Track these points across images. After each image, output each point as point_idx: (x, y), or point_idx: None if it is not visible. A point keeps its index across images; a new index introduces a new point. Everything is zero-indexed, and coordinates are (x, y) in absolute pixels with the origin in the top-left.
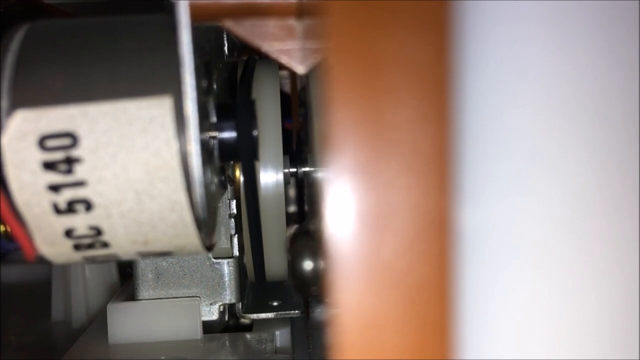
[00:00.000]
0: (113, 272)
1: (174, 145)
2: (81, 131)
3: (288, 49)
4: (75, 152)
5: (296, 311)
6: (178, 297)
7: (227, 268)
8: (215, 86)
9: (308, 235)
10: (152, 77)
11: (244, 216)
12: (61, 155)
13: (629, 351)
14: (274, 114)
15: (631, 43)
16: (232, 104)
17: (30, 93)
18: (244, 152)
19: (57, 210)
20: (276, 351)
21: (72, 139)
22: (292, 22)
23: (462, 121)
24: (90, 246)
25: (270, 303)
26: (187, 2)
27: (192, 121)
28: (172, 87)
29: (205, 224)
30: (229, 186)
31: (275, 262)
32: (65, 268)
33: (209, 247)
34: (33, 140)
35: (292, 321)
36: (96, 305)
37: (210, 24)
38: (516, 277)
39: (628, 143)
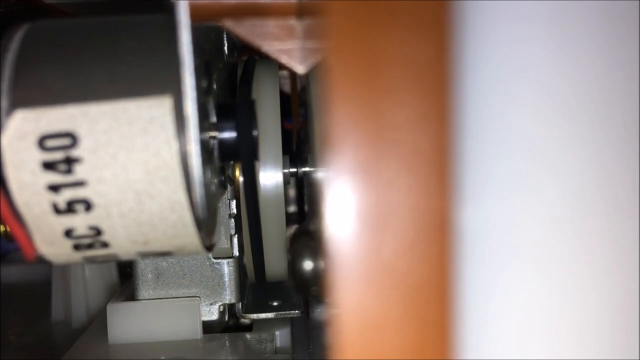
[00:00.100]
0: (113, 272)
1: (174, 145)
2: (81, 131)
3: (288, 48)
4: (75, 152)
5: (296, 311)
6: (178, 297)
7: (227, 268)
8: (215, 86)
9: (308, 235)
10: (152, 77)
11: (243, 216)
12: (61, 155)
13: (629, 351)
14: (273, 114)
15: (631, 43)
16: (232, 104)
17: (30, 93)
18: (243, 152)
19: (57, 210)
20: (276, 351)
21: (72, 139)
22: (292, 22)
23: (462, 121)
24: (90, 246)
25: (270, 303)
26: (187, 2)
27: (192, 121)
28: (172, 87)
29: (205, 224)
30: (228, 186)
31: (275, 262)
32: (65, 268)
33: (209, 247)
34: (33, 140)
35: (292, 321)
36: (96, 305)
37: (210, 24)
38: (516, 277)
39: (628, 143)
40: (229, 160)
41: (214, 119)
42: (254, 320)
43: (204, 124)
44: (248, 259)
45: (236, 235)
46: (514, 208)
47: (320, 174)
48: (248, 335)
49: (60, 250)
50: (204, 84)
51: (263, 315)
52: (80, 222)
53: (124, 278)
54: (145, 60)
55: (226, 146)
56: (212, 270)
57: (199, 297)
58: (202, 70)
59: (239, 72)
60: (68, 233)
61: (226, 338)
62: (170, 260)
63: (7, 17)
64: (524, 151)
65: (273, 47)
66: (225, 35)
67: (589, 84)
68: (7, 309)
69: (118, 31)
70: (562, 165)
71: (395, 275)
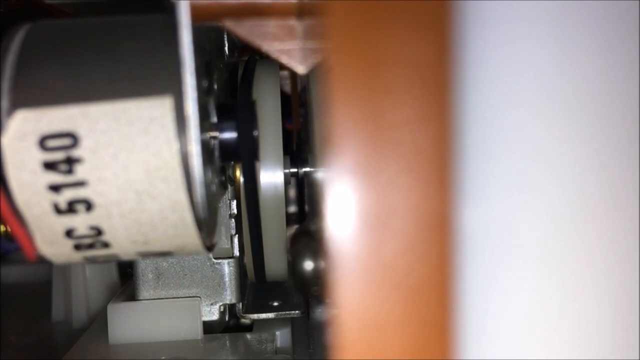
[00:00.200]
0: (113, 272)
1: (175, 146)
2: (81, 131)
3: (288, 49)
4: (75, 152)
5: (296, 311)
6: (178, 297)
7: (227, 268)
8: (215, 86)
9: (308, 236)
10: (153, 77)
11: (244, 216)
12: (61, 156)
13: (629, 351)
14: (274, 114)
15: (631, 43)
16: (233, 104)
17: (30, 93)
18: (244, 153)
19: (58, 210)
20: (276, 351)
21: (73, 139)
22: (293, 22)
23: (462, 121)
24: (90, 246)
25: (270, 303)
26: (188, 2)
27: (192, 121)
28: (173, 87)
29: (206, 224)
30: (229, 186)
31: (276, 262)
32: (65, 268)
33: (210, 247)
34: (33, 140)
35: (292, 321)
36: (97, 305)
37: (211, 24)
38: (516, 277)
39: (628, 143)
40: (230, 160)
41: (214, 119)
42: (254, 321)
43: (204, 124)
44: (248, 259)
45: (237, 236)
46: (514, 208)
47: (320, 174)
48: (248, 336)
49: (61, 250)
50: (205, 84)
51: (263, 316)
52: (80, 222)
53: (125, 278)
54: (145, 60)
55: (227, 146)
56: (212, 271)
57: (199, 297)
58: (203, 71)
59: (240, 72)
60: (69, 233)
61: (226, 338)
62: (170, 260)
63: (8, 17)
64: (524, 151)
65: (273, 47)
66: (225, 36)
67: (589, 84)
68: (8, 309)
69: (118, 31)
70: (562, 165)
71: (395, 275)
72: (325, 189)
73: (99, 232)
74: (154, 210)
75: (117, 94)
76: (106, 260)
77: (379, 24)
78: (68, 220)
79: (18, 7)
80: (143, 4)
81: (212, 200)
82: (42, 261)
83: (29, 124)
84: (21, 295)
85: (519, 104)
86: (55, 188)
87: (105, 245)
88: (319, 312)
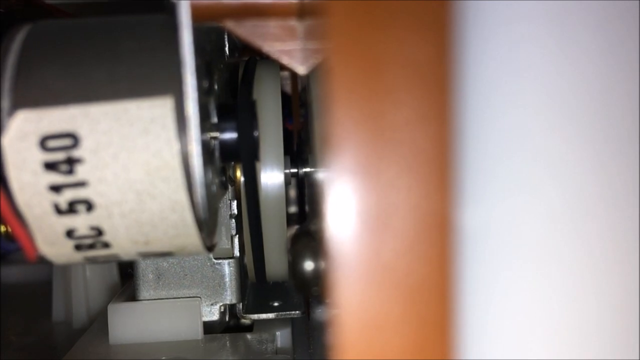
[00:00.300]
0: (114, 273)
1: (175, 146)
2: (82, 131)
3: (289, 49)
4: (76, 153)
5: (297, 311)
6: (179, 298)
7: (227, 268)
8: (216, 87)
9: (309, 236)
10: (153, 77)
11: (244, 217)
12: (62, 156)
13: (629, 351)
14: (274, 114)
15: (631, 43)
16: (233, 105)
17: (31, 93)
18: (244, 153)
19: (58, 210)
20: (277, 352)
21: (73, 139)
22: (293, 22)
23: (462, 121)
24: (91, 246)
25: (271, 303)
26: (188, 2)
27: (193, 121)
28: (173, 87)
29: (206, 224)
30: (229, 187)
31: (276, 263)
32: (66, 268)
33: (210, 248)
34: (34, 140)
35: (292, 321)
36: (97, 305)
37: (211, 24)
38: (517, 277)
39: (628, 143)
40: (230, 160)
41: (215, 119)
42: (254, 321)
43: (205, 125)
44: (249, 260)
45: (237, 236)
46: (514, 208)
47: (321, 175)
48: (249, 336)
49: (62, 251)
50: (205, 84)
51: (264, 316)
52: (81, 222)
53: (125, 278)
54: (146, 61)
55: (227, 147)
56: (212, 271)
57: (199, 297)
58: (203, 71)
59: (240, 72)
60: (69, 233)
61: (227, 338)
62: (171, 260)
63: (8, 17)
64: (525, 151)
65: (274, 48)
66: (226, 36)
67: (589, 84)
68: (8, 309)
69: (119, 31)
70: (562, 165)
71: (395, 275)
72: (325, 189)
73: (99, 232)
74: (154, 211)
75: (118, 94)
76: (107, 260)
77: (379, 24)
78: (69, 221)
79: (18, 7)
80: (143, 4)
81: (212, 201)
82: (43, 261)
83: (30, 124)
84: (21, 295)
85: (519, 104)
86: (56, 188)
87: (106, 245)
88: (319, 312)
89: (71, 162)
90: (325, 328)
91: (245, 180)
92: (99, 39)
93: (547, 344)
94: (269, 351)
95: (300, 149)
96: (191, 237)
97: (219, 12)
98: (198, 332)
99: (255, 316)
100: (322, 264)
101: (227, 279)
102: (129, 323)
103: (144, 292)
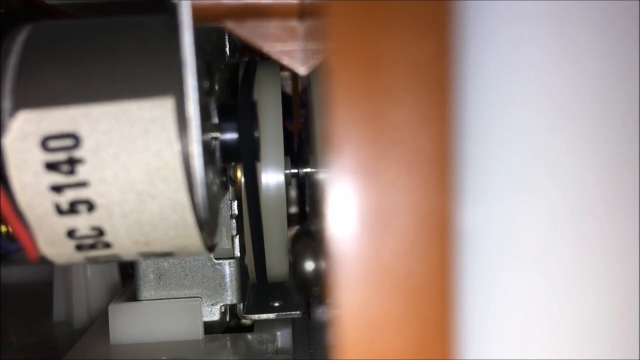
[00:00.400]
0: (114, 273)
1: (176, 146)
2: (83, 132)
3: (289, 50)
4: (77, 153)
5: (297, 312)
6: (179, 298)
7: (228, 269)
8: (216, 87)
9: (309, 236)
10: (154, 77)
11: (245, 217)
12: (63, 156)
13: (629, 351)
14: (275, 115)
15: (631, 43)
16: (234, 105)
17: (32, 94)
18: (245, 153)
19: (60, 210)
20: (277, 352)
21: (74, 139)
22: (294, 23)
23: (462, 121)
24: (92, 247)
25: (271, 304)
26: (189, 3)
27: (193, 122)
28: (174, 87)
29: (207, 224)
30: (230, 187)
31: (277, 263)
32: (66, 268)
33: (211, 248)
34: (35, 141)
35: (293, 322)
36: (98, 305)
37: (212, 24)
38: (517, 277)
39: (629, 143)
40: (231, 161)
41: (215, 120)
42: (255, 321)
43: (205, 125)
44: (249, 260)
45: (237, 236)
46: (514, 208)
47: (321, 175)
48: (249, 336)
49: (63, 251)
50: (206, 84)
51: (264, 316)
52: (82, 222)
53: (126, 278)
54: (146, 61)
55: (228, 147)
56: (213, 271)
57: (200, 297)
58: (204, 71)
59: (241, 73)
60: (70, 234)
61: (227, 339)
62: (171, 260)
63: (9, 17)
64: (525, 151)
65: (274, 48)
66: (227, 36)
67: (589, 84)
68: (9, 310)
69: (119, 32)
70: (562, 165)
71: (396, 275)
72: (325, 190)
73: (100, 232)
74: (154, 211)
75: (118, 94)
76: (107, 260)
77: (379, 24)
78: (70, 221)
79: (19, 7)
80: (144, 5)
81: (213, 201)
82: (44, 262)
83: (31, 124)
84: (22, 295)
85: (519, 104)
86: (57, 189)
87: (107, 245)
88: (320, 313)
89: (72, 163)
90: (325, 328)
91: (246, 181)
92: (99, 40)
93: (547, 344)
94: (270, 351)
95: (300, 149)
96: (192, 237)
97: (219, 13)
98: (199, 332)
99: (256, 316)
100: (323, 264)
101: (228, 279)
102: (130, 323)
103: (145, 292)
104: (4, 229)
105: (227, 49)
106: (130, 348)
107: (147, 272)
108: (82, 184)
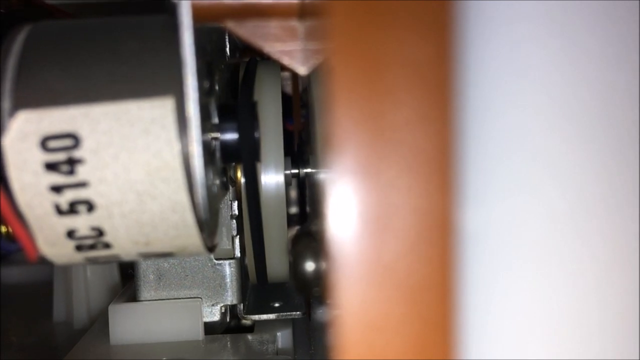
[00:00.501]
0: (114, 273)
1: (176, 146)
2: (83, 132)
3: (290, 50)
4: (77, 153)
5: (298, 312)
6: (179, 298)
7: (228, 269)
8: (217, 87)
9: (310, 237)
10: (154, 77)
11: (245, 217)
12: (63, 156)
13: (629, 351)
14: (275, 115)
15: (631, 43)
16: (234, 105)
17: (32, 94)
18: (245, 154)
19: (59, 211)
20: (278, 352)
21: (74, 139)
22: (294, 23)
23: (463, 121)
24: (92, 247)
25: (271, 304)
26: (189, 3)
27: (193, 122)
28: (174, 88)
29: (207, 224)
30: (230, 187)
31: (277, 263)
32: (66, 269)
33: (211, 248)
34: (35, 141)
35: (293, 322)
36: (98, 306)
37: (212, 24)
38: (518, 277)
39: (629, 143)
40: (231, 161)
41: (215, 120)
42: (255, 322)
43: (205, 125)
44: (250, 260)
45: (238, 237)
46: (515, 209)
47: (321, 175)
48: (249, 337)
49: (62, 251)
50: (206, 85)
51: (264, 317)
52: (82, 223)
53: (126, 279)
54: (146, 61)
55: (228, 147)
56: (213, 272)
57: (200, 298)
58: (204, 71)
59: (241, 73)
60: (70, 234)
61: (228, 339)
62: (172, 261)
63: (9, 18)
64: (525, 152)
65: (275, 48)
66: (227, 36)
67: (589, 84)
68: (9, 310)
69: (119, 32)
70: (563, 165)
71: (396, 276)
72: (326, 190)
73: (100, 232)
74: (154, 211)
75: (118, 94)
76: (107, 261)
77: (379, 24)
78: (69, 221)
79: (19, 7)
80: (144, 5)
81: (213, 201)
82: (44, 262)
83: (31, 124)
84: (22, 295)
85: (519, 104)
86: (57, 189)
87: (107, 246)
88: (320, 313)
89: (72, 163)
90: (326, 329)
91: (246, 181)
92: (99, 40)
93: (547, 344)
94: (270, 352)
95: (301, 149)
96: (192, 237)
97: (219, 13)
98: (199, 333)
99: (256, 317)
100: (323, 265)
101: (228, 280)
102: (130, 323)
103: (145, 292)
104: (3, 229)
105: (227, 49)
106: (130, 348)
107: (147, 272)
108: (82, 184)
